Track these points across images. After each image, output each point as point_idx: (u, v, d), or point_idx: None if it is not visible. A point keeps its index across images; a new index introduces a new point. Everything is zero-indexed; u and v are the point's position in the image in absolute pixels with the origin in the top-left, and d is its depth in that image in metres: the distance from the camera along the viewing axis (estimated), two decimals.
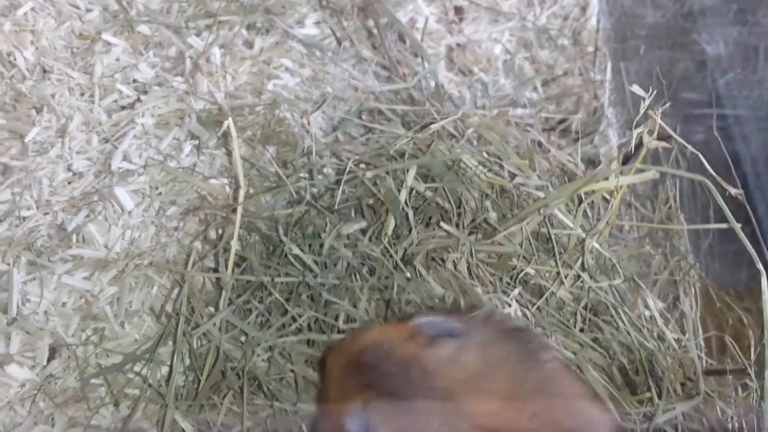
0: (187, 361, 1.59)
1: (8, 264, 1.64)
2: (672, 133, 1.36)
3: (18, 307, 1.60)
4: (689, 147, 1.42)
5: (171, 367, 1.57)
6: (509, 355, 1.18)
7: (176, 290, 1.66)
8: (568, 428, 1.10)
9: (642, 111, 1.36)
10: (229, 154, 1.82)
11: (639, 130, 1.39)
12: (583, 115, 2.01)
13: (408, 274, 1.54)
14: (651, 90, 1.49)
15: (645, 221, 1.77)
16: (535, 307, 1.47)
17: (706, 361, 1.53)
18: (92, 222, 1.69)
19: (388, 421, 1.10)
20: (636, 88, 1.46)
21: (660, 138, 1.46)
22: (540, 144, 1.62)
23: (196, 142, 1.84)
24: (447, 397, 1.08)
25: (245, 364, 1.47)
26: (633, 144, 1.39)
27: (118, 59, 1.92)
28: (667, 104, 1.50)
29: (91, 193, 1.73)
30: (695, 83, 2.19)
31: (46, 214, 1.69)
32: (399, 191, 1.57)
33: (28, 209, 1.69)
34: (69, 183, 1.75)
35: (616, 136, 2.05)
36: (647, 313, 1.55)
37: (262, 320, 1.55)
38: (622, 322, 1.50)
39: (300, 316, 1.50)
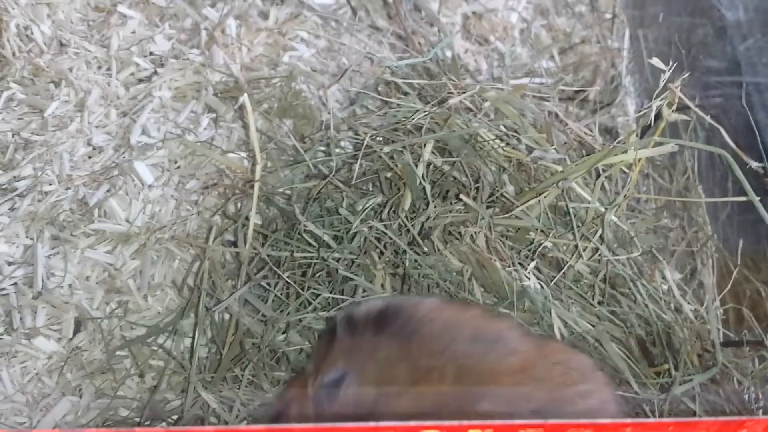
0: (209, 334, 1.62)
1: (32, 239, 1.66)
2: (692, 105, 1.35)
3: (43, 281, 1.63)
4: (708, 119, 1.41)
5: (193, 339, 1.60)
6: (382, 353, 1.25)
7: (197, 264, 1.69)
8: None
9: (661, 84, 1.35)
10: (246, 127, 1.82)
11: (658, 102, 1.38)
12: (600, 83, 1.99)
13: (425, 249, 1.55)
14: (670, 61, 1.48)
15: (662, 192, 1.77)
16: (554, 281, 1.48)
17: (723, 333, 1.54)
18: (113, 196, 1.70)
19: None
20: (656, 61, 1.45)
21: (679, 109, 1.46)
22: (557, 116, 1.61)
23: (214, 115, 1.85)
24: None
25: (265, 337, 1.50)
26: (652, 116, 1.38)
27: (134, 32, 1.92)
28: (686, 74, 1.49)
29: (111, 167, 1.74)
30: (715, 50, 2.16)
31: (68, 188, 1.71)
32: (416, 166, 1.58)
33: (50, 184, 1.71)
34: (89, 157, 1.76)
35: (634, 105, 2.04)
36: (665, 286, 1.56)
37: (282, 294, 1.57)
38: (640, 294, 1.51)
39: (317, 295, 1.52)
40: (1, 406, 1.54)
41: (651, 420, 1.37)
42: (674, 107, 1.36)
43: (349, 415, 1.15)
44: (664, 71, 1.37)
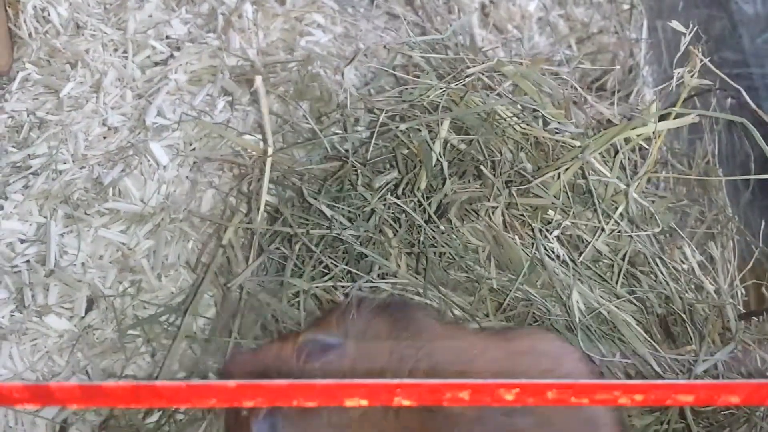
0: (222, 311, 1.60)
1: (45, 217, 1.65)
2: (714, 68, 1.33)
3: (56, 259, 1.62)
4: (729, 81, 1.38)
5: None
6: (383, 334, 1.28)
7: (211, 244, 1.67)
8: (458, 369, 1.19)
9: (682, 48, 1.32)
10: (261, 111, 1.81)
11: (679, 69, 1.36)
12: (618, 73, 1.97)
13: (442, 227, 1.53)
14: (689, 38, 1.46)
15: (682, 179, 1.75)
16: (579, 259, 1.46)
17: (743, 311, 1.51)
18: (128, 176, 1.69)
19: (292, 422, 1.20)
20: (676, 24, 1.43)
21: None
22: (575, 89, 1.59)
23: (230, 98, 1.84)
24: None
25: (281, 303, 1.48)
26: (674, 83, 1.36)
27: (150, 15, 1.92)
28: (704, 39, 1.47)
29: (126, 147, 1.73)
30: (732, 42, 2.15)
31: (83, 167, 1.70)
32: (433, 144, 1.56)
33: (65, 163, 1.70)
34: (104, 138, 1.76)
35: (652, 95, 2.02)
36: (685, 266, 1.53)
37: (296, 270, 1.56)
38: (661, 273, 1.48)
39: (331, 269, 1.50)
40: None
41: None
42: (696, 73, 1.33)
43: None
44: (684, 34, 1.35)
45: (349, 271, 1.51)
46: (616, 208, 1.51)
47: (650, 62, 2.13)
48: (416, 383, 0.89)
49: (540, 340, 1.29)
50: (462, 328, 1.39)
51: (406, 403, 0.88)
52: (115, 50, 1.86)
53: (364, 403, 0.88)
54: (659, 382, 0.94)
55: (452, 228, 1.52)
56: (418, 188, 1.55)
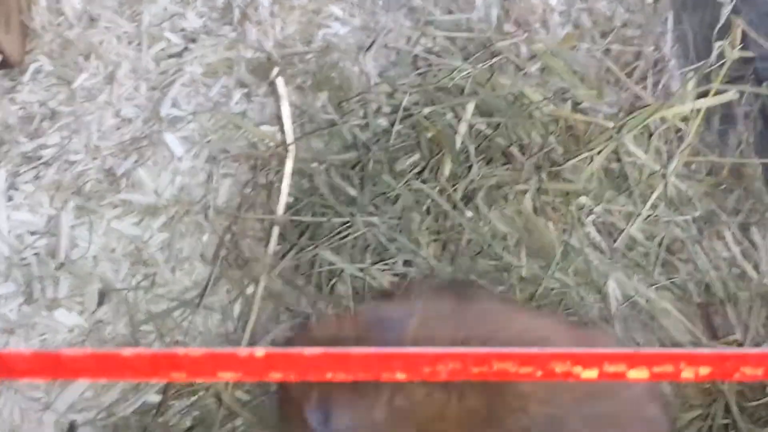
0: (237, 309, 1.54)
1: (56, 208, 1.60)
2: (756, 36, 1.27)
3: (66, 251, 1.56)
4: None
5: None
6: (447, 312, 1.18)
7: (227, 237, 1.61)
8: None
9: (722, 19, 1.26)
10: (278, 100, 1.76)
11: (720, 42, 1.30)
12: (643, 65, 1.91)
13: (469, 213, 1.47)
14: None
15: (715, 168, 1.67)
16: (614, 245, 1.39)
17: None
18: (141, 167, 1.64)
19: (348, 408, 1.09)
20: None
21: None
22: (608, 70, 1.52)
23: (246, 90, 1.79)
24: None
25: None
26: (714, 55, 1.30)
27: (165, 8, 1.88)
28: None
29: (140, 138, 1.68)
30: (760, 33, 2.09)
31: (95, 158, 1.65)
32: (457, 129, 1.50)
33: (76, 153, 1.65)
34: (117, 129, 1.71)
35: (681, 83, 1.95)
36: (726, 253, 1.45)
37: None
38: (700, 260, 1.40)
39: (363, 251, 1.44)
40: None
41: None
42: (737, 44, 1.27)
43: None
44: (724, 3, 1.29)
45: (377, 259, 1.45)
46: (652, 192, 1.44)
47: (677, 55, 2.07)
48: (461, 352, 0.80)
49: (603, 334, 1.22)
50: (527, 309, 1.31)
51: (445, 374, 0.79)
52: (129, 43, 1.82)
53: (401, 376, 0.79)
54: (728, 351, 0.86)
55: (479, 214, 1.46)
56: (443, 174, 1.49)
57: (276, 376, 0.73)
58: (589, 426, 1.04)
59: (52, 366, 0.80)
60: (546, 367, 0.79)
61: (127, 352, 0.72)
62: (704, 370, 0.79)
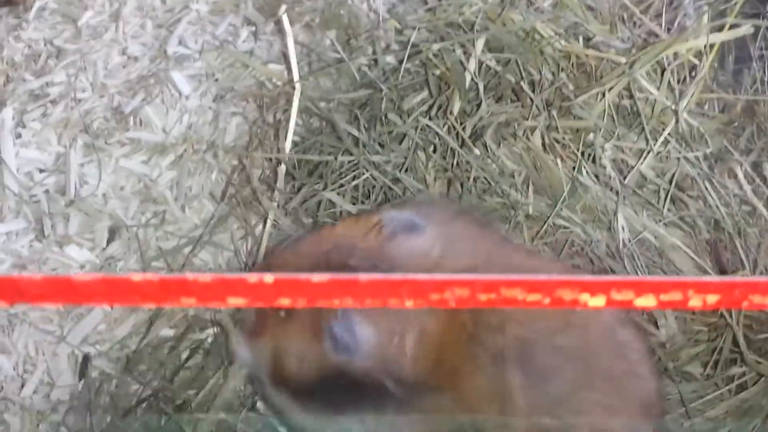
0: (248, 245, 1.55)
1: (65, 146, 1.60)
2: None
3: (76, 188, 1.56)
4: None
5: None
6: (470, 238, 1.16)
7: (236, 175, 1.61)
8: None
9: None
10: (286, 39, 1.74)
11: None
12: (658, 1, 1.88)
13: (477, 151, 1.46)
14: None
15: (729, 106, 1.65)
16: (625, 181, 1.38)
17: None
18: (149, 105, 1.63)
19: (370, 318, 1.06)
20: None
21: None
22: (621, 12, 1.50)
23: (253, 28, 1.77)
24: None
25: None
26: None
27: None
28: None
29: (147, 76, 1.67)
30: None
31: (102, 96, 1.64)
32: (466, 66, 1.48)
33: (83, 91, 1.64)
34: (124, 67, 1.69)
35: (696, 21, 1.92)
36: (736, 191, 1.45)
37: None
38: (710, 196, 1.40)
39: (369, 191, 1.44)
40: (32, 313, 1.47)
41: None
42: None
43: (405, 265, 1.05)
44: None
45: (383, 198, 1.45)
46: (663, 129, 1.42)
47: None
48: (469, 279, 0.80)
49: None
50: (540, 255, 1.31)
51: (454, 301, 0.79)
52: None
53: (410, 303, 0.79)
54: (737, 280, 0.86)
55: (487, 152, 1.45)
56: (451, 112, 1.48)
57: (284, 302, 0.74)
58: (558, 357, 1.05)
59: (63, 290, 0.80)
60: (553, 294, 0.79)
61: (137, 276, 0.73)
62: (712, 298, 0.78)
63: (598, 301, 0.82)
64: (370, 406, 1.10)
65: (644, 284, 0.83)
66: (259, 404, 1.42)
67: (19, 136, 1.59)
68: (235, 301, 0.76)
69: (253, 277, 0.74)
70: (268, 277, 0.74)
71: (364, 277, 0.77)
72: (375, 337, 1.04)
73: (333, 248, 1.08)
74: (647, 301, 0.81)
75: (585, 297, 0.83)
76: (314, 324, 1.07)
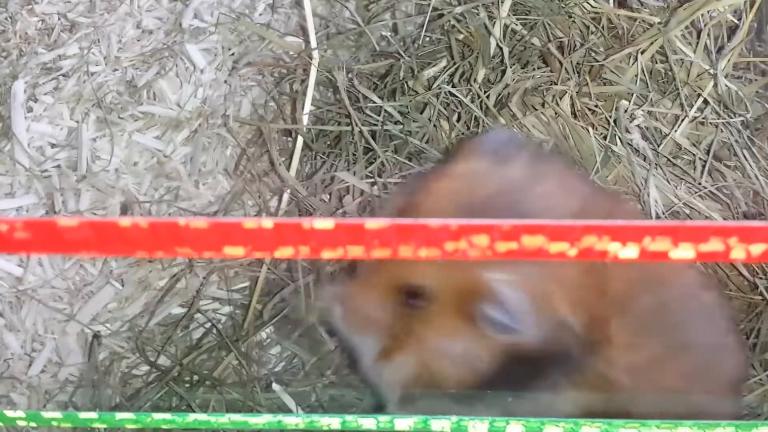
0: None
1: (77, 120, 1.55)
2: None
3: (88, 164, 1.52)
4: None
5: None
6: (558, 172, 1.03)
7: (251, 150, 1.56)
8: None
9: None
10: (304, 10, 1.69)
11: None
12: None
13: (502, 120, 1.39)
14: None
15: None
16: (659, 149, 1.30)
17: None
18: (163, 78, 1.59)
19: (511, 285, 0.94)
20: None
21: None
22: None
23: (270, 0, 1.72)
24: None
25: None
26: None
27: None
28: None
29: (161, 49, 1.62)
30: None
31: (116, 70, 1.60)
32: (491, 30, 1.41)
33: (96, 65, 1.60)
34: (138, 40, 1.65)
35: None
36: None
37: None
38: (749, 165, 1.31)
39: (387, 162, 1.37)
40: (41, 291, 1.43)
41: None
42: None
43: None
44: None
45: (401, 168, 1.38)
46: (699, 94, 1.34)
47: None
48: (487, 224, 0.72)
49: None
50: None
51: (472, 252, 0.71)
52: None
53: (423, 253, 0.71)
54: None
55: (514, 120, 1.38)
56: (475, 79, 1.41)
57: (286, 251, 0.66)
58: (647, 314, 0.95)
59: (52, 239, 0.74)
60: (579, 243, 0.71)
61: (125, 221, 0.66)
62: (757, 249, 0.70)
63: (630, 252, 0.73)
64: (550, 378, 0.99)
65: (682, 229, 0.74)
66: (275, 385, 1.36)
67: (30, 110, 1.55)
68: (232, 251, 0.68)
69: (250, 223, 0.67)
70: (267, 222, 0.67)
71: (371, 222, 0.69)
72: (529, 304, 0.94)
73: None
74: (684, 253, 0.72)
75: (614, 246, 0.74)
76: (458, 316, 0.96)
